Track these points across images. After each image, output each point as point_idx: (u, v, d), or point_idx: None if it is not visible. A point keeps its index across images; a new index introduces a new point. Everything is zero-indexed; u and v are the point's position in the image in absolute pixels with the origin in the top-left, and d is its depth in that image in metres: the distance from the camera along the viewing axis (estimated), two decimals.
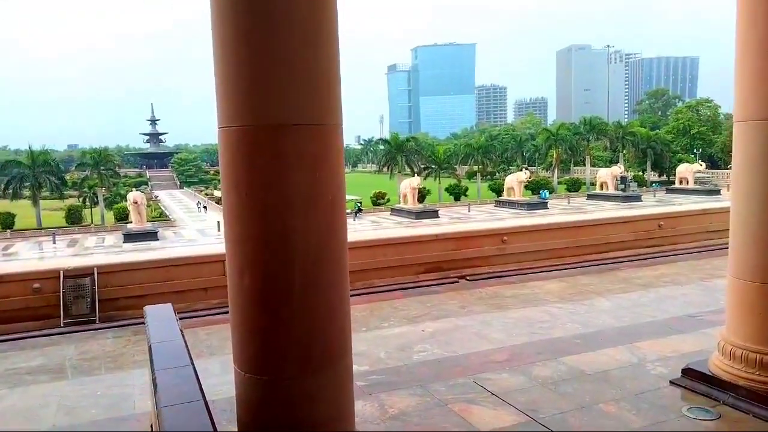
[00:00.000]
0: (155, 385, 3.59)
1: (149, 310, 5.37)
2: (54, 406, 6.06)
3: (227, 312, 8.80)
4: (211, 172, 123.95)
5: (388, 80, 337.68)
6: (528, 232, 12.72)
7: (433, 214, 50.33)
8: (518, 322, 8.50)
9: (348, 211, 50.35)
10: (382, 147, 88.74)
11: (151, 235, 53.16)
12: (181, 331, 5.15)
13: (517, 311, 9.18)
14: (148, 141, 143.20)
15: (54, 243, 53.31)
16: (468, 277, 11.27)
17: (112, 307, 9.51)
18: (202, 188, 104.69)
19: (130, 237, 52.33)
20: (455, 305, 9.52)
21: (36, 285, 9.05)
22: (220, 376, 6.73)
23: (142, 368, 6.80)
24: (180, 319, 9.24)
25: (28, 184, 63.01)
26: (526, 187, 54.40)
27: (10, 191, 63.04)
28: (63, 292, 9.04)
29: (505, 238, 12.24)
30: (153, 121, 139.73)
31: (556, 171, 75.42)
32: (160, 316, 5.28)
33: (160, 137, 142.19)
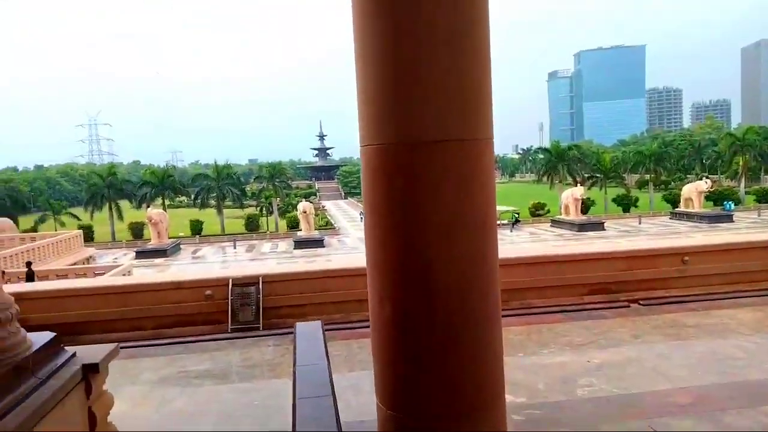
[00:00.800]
0: (294, 415, 3.46)
1: (300, 327, 5.37)
2: (214, 413, 6.31)
3: None
4: None
5: (548, 87, 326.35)
6: (716, 251, 11.12)
7: (598, 226, 47.18)
8: (704, 358, 7.34)
9: (504, 222, 49.40)
10: (541, 156, 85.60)
11: (318, 243, 56.61)
12: (327, 356, 5.07)
13: (701, 344, 7.97)
14: (317, 155, 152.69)
15: (235, 248, 58.77)
16: (641, 302, 10.10)
17: (274, 315, 9.89)
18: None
19: (299, 244, 56.17)
20: (626, 333, 8.52)
21: (208, 292, 9.68)
22: (371, 395, 6.59)
23: None
24: (336, 329, 9.39)
25: (213, 194, 70.20)
26: (707, 198, 49.05)
27: (199, 201, 70.67)
28: (231, 299, 9.56)
29: (687, 257, 10.80)
30: (321, 137, 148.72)
31: (743, 180, 67.09)
32: (308, 335, 5.24)
33: (327, 151, 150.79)
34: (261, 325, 9.61)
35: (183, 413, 6.37)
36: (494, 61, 3.38)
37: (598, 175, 67.94)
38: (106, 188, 67.38)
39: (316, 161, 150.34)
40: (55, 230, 57.72)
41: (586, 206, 57.66)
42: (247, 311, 9.65)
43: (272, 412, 6.29)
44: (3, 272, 20.99)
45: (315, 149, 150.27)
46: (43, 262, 30.11)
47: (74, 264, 32.17)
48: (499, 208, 70.79)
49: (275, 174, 74.09)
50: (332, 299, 10.01)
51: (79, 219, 66.47)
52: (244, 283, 9.76)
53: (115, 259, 55.15)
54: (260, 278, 9.81)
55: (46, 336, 4.56)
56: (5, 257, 27.87)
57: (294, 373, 6.01)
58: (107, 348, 5.00)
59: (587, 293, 10.37)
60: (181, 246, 59.10)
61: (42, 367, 4.24)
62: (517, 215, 61.83)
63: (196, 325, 9.78)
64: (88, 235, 63.29)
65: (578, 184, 58.99)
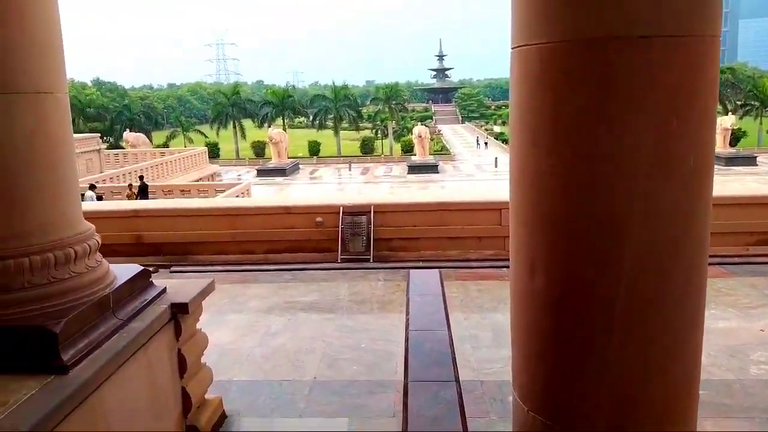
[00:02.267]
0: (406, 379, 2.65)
1: (414, 276, 4.53)
2: (318, 353, 5.79)
3: (501, 267, 7.71)
4: (492, 108, 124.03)
5: None
6: None
7: (750, 161, 42.36)
8: None
9: None
10: None
11: (432, 168, 55.70)
12: (447, 319, 4.25)
13: None
14: (435, 77, 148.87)
15: (350, 170, 59.39)
16: None
17: (385, 247, 9.24)
18: (482, 123, 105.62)
19: (413, 168, 55.57)
20: None
21: (319, 219, 9.17)
22: (492, 349, 5.76)
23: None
24: (451, 267, 8.56)
25: (331, 116, 70.77)
26: None
27: (317, 122, 71.65)
28: (341, 228, 8.99)
29: None
30: (440, 57, 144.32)
31: None
32: (424, 289, 4.36)
33: (446, 72, 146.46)
34: (372, 257, 9.01)
35: (285, 350, 5.92)
36: None
37: (754, 102, 60.16)
38: (230, 107, 69.95)
39: (434, 83, 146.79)
40: (184, 146, 61.18)
41: (735, 137, 51.47)
42: (357, 241, 9.05)
43: (380, 359, 5.65)
44: (130, 185, 22.14)
45: (433, 70, 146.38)
46: (170, 176, 31.78)
47: (199, 180, 33.76)
48: None
49: (391, 96, 73.01)
50: (449, 234, 9.16)
51: (206, 136, 69.98)
52: (356, 211, 9.12)
53: (239, 176, 57.73)
54: (372, 207, 9.12)
55: (132, 269, 4.07)
56: (137, 170, 29.61)
57: (406, 352, 5.32)
58: (201, 284, 4.48)
59: (754, 243, 8.71)
60: (300, 166, 60.64)
61: (125, 305, 3.75)
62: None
63: (305, 251, 9.37)
64: (214, 152, 66.67)
65: (729, 113, 52.72)
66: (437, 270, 5.61)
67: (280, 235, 9.37)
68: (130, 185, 21.99)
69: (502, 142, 75.97)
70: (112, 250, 9.86)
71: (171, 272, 8.98)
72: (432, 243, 9.22)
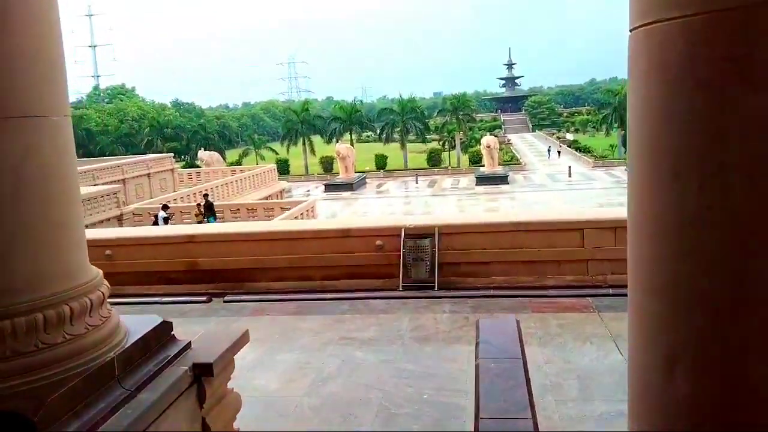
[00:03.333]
0: None
1: (484, 326, 3.70)
2: (374, 405, 5.05)
3: (585, 295, 6.70)
4: (564, 115, 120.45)
5: None
6: None
7: None
8: None
9: None
10: None
11: (502, 179, 54.21)
12: (526, 369, 3.42)
13: None
14: (503, 85, 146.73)
15: (416, 183, 58.74)
16: None
17: (451, 272, 8.41)
18: (554, 131, 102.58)
19: (482, 180, 54.29)
20: None
21: (379, 242, 8.47)
22: (580, 404, 4.84)
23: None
24: (527, 296, 7.63)
25: (398, 129, 70.52)
26: None
27: (384, 136, 71.55)
28: (403, 252, 8.24)
29: None
30: (509, 65, 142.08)
31: None
32: (497, 342, 3.54)
33: (515, 81, 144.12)
34: (436, 284, 8.20)
35: (337, 400, 5.21)
36: None
37: None
38: (300, 124, 71.02)
39: (503, 92, 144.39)
40: (256, 163, 62.49)
41: None
42: (420, 267, 8.27)
43: (446, 413, 4.84)
44: (199, 205, 22.28)
45: (502, 79, 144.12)
46: (240, 194, 32.14)
47: (267, 197, 34.01)
48: None
49: (458, 107, 72.04)
50: (523, 257, 8.23)
51: (276, 153, 71.29)
52: (418, 234, 8.35)
53: (308, 191, 58.30)
54: (436, 229, 8.32)
55: (149, 322, 3.45)
56: (210, 189, 30.08)
57: (477, 382, 4.46)
58: (232, 336, 3.83)
59: None
60: (367, 180, 60.57)
61: (136, 370, 3.13)
62: None
63: (365, 278, 8.67)
64: (284, 169, 67.78)
65: None
66: (513, 318, 4.73)
67: (338, 260, 8.73)
68: (199, 204, 22.18)
69: (576, 150, 73.27)
70: (167, 278, 9.59)
71: (225, 301, 8.52)
72: (504, 267, 8.31)
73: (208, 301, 8.62)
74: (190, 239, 9.16)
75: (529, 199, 46.10)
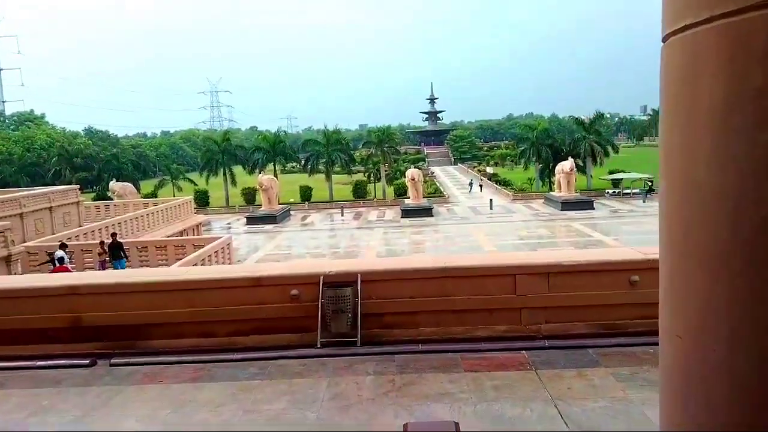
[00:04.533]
0: None
1: None
2: None
3: (517, 348, 5.98)
4: (484, 148, 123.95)
5: None
6: None
7: None
8: None
9: (636, 191, 44.51)
10: None
11: (427, 211, 54.34)
12: None
13: None
14: (426, 119, 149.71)
15: (342, 215, 57.88)
16: None
17: (376, 324, 7.57)
18: (475, 164, 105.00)
19: (407, 212, 54.21)
20: None
21: (294, 291, 7.52)
22: None
23: None
24: (458, 350, 6.87)
25: (323, 160, 69.72)
26: None
27: (309, 167, 70.54)
28: (322, 302, 7.32)
29: None
30: (432, 100, 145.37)
31: None
32: None
33: (437, 115, 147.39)
34: (359, 339, 7.32)
35: None
36: None
37: None
38: (220, 154, 68.82)
39: (426, 125, 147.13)
40: (173, 195, 59.71)
41: None
42: (341, 319, 7.37)
43: None
44: (102, 242, 20.42)
45: (425, 113, 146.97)
46: (152, 228, 30.13)
47: (182, 232, 32.10)
48: (627, 175, 64.63)
49: (383, 139, 72.20)
50: (453, 306, 7.51)
51: (195, 184, 68.58)
52: (339, 281, 7.47)
53: (228, 224, 56.12)
54: (359, 276, 7.48)
55: None
56: (119, 223, 27.96)
57: None
58: None
59: None
60: (291, 212, 59.15)
61: None
62: (650, 183, 55.82)
63: (278, 332, 7.67)
64: (204, 200, 65.21)
65: None
66: (452, 424, 3.94)
67: (247, 313, 7.69)
68: (102, 242, 20.28)
69: (496, 183, 74.98)
70: (46, 336, 8.18)
71: (111, 365, 7.26)
72: (433, 318, 7.56)
73: (92, 364, 7.34)
74: (73, 290, 7.85)
75: (453, 231, 46.27)
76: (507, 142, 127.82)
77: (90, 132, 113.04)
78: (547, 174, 67.44)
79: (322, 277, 7.51)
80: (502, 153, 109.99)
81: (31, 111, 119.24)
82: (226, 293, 7.79)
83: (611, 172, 66.71)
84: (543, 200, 59.77)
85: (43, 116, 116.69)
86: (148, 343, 7.77)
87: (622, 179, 63.05)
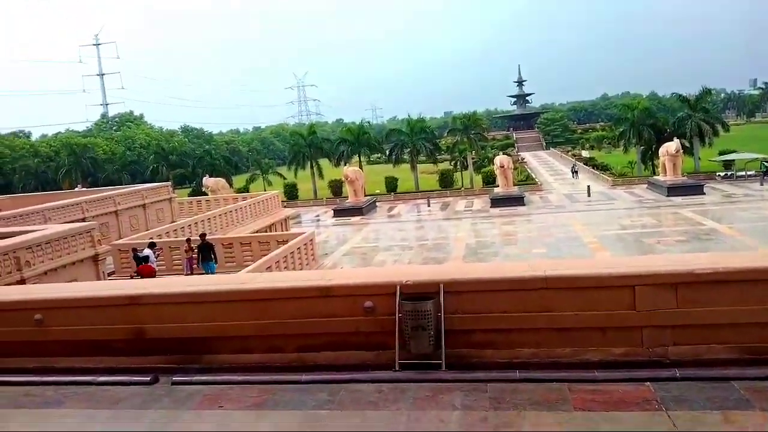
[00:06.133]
0: None
1: None
2: None
3: (640, 379, 4.60)
4: (578, 131, 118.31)
5: None
6: None
7: None
8: None
9: (751, 172, 40.12)
10: None
11: (518, 200, 52.12)
12: None
13: None
14: (514, 103, 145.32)
15: (429, 206, 56.77)
16: None
17: (463, 343, 6.49)
18: (569, 148, 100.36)
19: (496, 201, 52.25)
20: None
21: (368, 303, 6.58)
22: None
23: None
24: (563, 380, 5.67)
25: (407, 150, 68.81)
26: None
27: (393, 157, 69.88)
28: (399, 317, 6.32)
29: None
30: (520, 83, 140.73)
31: None
32: None
33: (526, 98, 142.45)
34: (443, 362, 6.25)
35: None
36: None
37: None
38: (307, 147, 69.58)
39: (514, 110, 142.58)
40: (264, 189, 60.98)
41: None
42: (422, 337, 6.33)
43: None
44: (188, 240, 20.50)
45: (512, 96, 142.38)
46: (242, 224, 30.42)
47: (270, 226, 32.28)
48: (740, 155, 59.06)
49: (469, 125, 70.09)
50: (557, 324, 6.28)
51: (284, 178, 69.79)
52: (418, 293, 6.43)
53: (317, 216, 56.60)
54: (441, 286, 6.41)
55: None
56: (207, 219, 28.37)
57: None
58: None
59: None
60: (377, 203, 58.81)
61: None
62: (767, 164, 50.64)
63: (351, 348, 6.76)
64: (293, 193, 66.22)
65: None
66: None
67: (317, 326, 6.83)
68: (188, 240, 20.38)
69: (594, 168, 71.02)
70: (109, 348, 7.74)
71: (173, 383, 6.63)
72: (532, 337, 6.38)
73: (153, 381, 6.75)
74: (134, 300, 7.31)
75: (547, 221, 43.96)
76: (603, 123, 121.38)
77: (186, 130, 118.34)
78: (649, 156, 62.98)
79: (398, 288, 6.50)
80: (598, 135, 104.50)
81: (131, 112, 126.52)
82: (294, 304, 6.96)
83: (721, 153, 61.25)
84: (646, 185, 55.76)
85: (141, 116, 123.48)
86: (214, 358, 7.11)
87: (734, 160, 57.66)
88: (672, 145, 50.45)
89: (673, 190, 49.00)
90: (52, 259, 14.07)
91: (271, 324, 6.94)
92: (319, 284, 6.98)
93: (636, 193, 54.27)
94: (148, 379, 6.79)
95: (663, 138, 57.58)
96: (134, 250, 18.81)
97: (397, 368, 6.30)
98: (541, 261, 11.50)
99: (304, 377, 6.38)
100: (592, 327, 6.21)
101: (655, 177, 55.82)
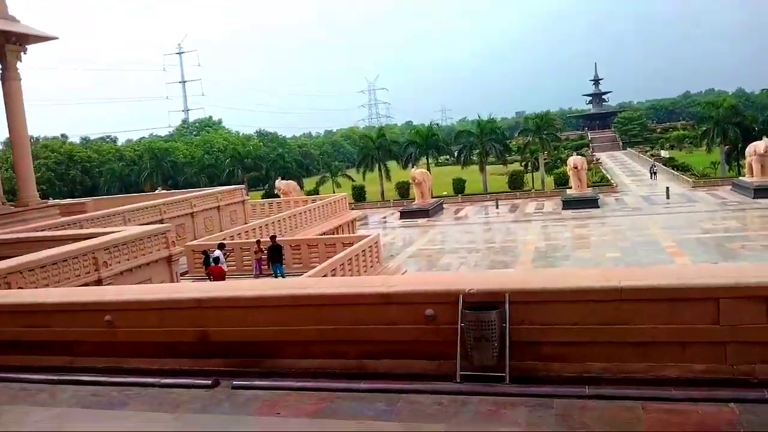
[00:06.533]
0: None
1: None
2: None
3: (722, 399, 4.26)
4: (658, 130, 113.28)
5: None
6: None
7: None
8: None
9: None
10: None
11: (591, 202, 50.40)
12: None
13: None
14: (590, 102, 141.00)
15: (497, 208, 55.84)
16: None
17: (529, 355, 6.18)
18: (647, 148, 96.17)
19: (569, 203, 50.73)
20: None
21: (429, 311, 6.39)
22: None
23: None
24: (637, 399, 5.27)
25: (476, 151, 67.98)
26: None
27: (462, 159, 69.18)
28: (461, 326, 6.09)
29: None
30: (596, 81, 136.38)
31: None
32: None
33: (602, 97, 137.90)
34: (507, 375, 5.97)
35: None
36: None
37: None
38: (375, 150, 70.00)
39: (590, 109, 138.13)
40: (333, 191, 61.84)
41: None
42: (485, 348, 6.07)
43: None
44: (258, 242, 20.93)
45: (588, 95, 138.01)
46: (310, 225, 30.88)
47: (338, 228, 32.61)
48: None
49: (542, 126, 68.43)
50: (632, 337, 5.87)
51: (352, 180, 70.52)
52: (482, 302, 6.18)
53: (384, 218, 56.80)
54: (506, 296, 6.13)
55: None
56: (277, 221, 28.95)
57: None
58: None
59: None
60: (444, 205, 58.37)
61: None
62: None
63: (412, 357, 6.59)
64: (361, 195, 66.78)
65: None
66: None
67: (378, 333, 6.71)
68: (258, 242, 20.84)
69: (673, 169, 67.69)
70: (175, 350, 7.91)
71: (234, 387, 6.68)
72: (604, 350, 5.99)
73: (215, 385, 6.82)
74: (198, 304, 7.43)
75: (623, 224, 42.20)
76: (684, 122, 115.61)
77: (261, 134, 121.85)
78: (734, 157, 59.35)
79: (461, 296, 6.27)
80: (678, 135, 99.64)
81: (210, 117, 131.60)
82: (355, 310, 6.87)
83: None
84: (731, 187, 52.56)
85: (220, 121, 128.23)
86: (275, 362, 7.11)
87: None
88: (761, 145, 47.26)
89: (761, 192, 45.85)
90: (128, 259, 14.67)
91: (333, 329, 6.87)
92: (380, 291, 6.85)
93: (719, 195, 51.23)
94: (210, 382, 6.87)
95: (750, 137, 54.11)
96: (204, 252, 19.41)
97: (458, 380, 6.08)
98: (615, 269, 10.87)
99: (363, 385, 6.26)
100: (670, 341, 5.77)
101: (740, 178, 52.52)
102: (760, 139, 49.25)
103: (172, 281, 16.72)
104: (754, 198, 45.91)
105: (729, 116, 60.02)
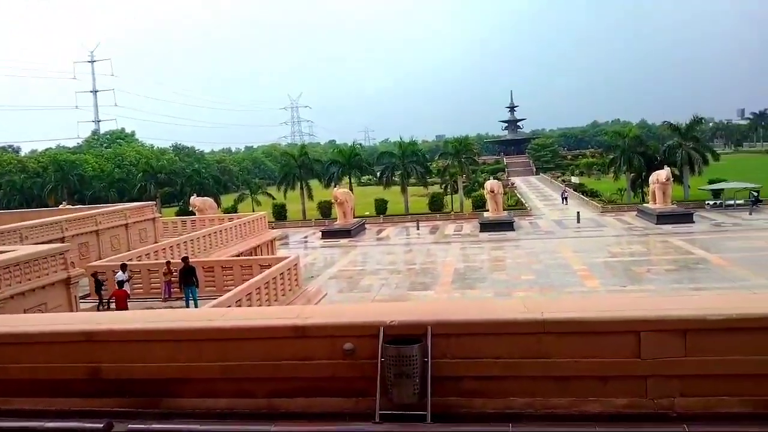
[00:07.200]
0: None
1: None
2: None
3: None
4: (568, 157, 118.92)
5: None
6: None
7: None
8: None
9: (740, 201, 40.02)
10: None
11: (507, 225, 51.82)
12: None
13: None
14: (506, 128, 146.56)
15: (418, 229, 56.34)
16: None
17: (452, 391, 5.88)
18: (559, 174, 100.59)
19: (486, 226, 51.93)
20: None
21: (347, 345, 5.96)
22: None
23: None
24: None
25: (398, 172, 68.58)
26: None
27: (384, 179, 69.58)
28: (381, 361, 5.71)
29: None
30: (511, 108, 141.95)
31: None
32: None
33: (518, 123, 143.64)
34: (429, 413, 5.64)
35: None
36: None
37: None
38: (297, 168, 69.12)
39: (505, 135, 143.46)
40: (252, 209, 60.29)
41: None
42: (406, 385, 5.72)
43: None
44: (168, 263, 19.78)
45: (504, 122, 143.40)
46: (226, 245, 29.71)
47: (256, 248, 31.58)
48: (730, 184, 59.17)
49: (460, 149, 70.05)
50: (553, 371, 5.70)
51: (273, 198, 69.18)
52: (403, 334, 5.83)
53: (305, 237, 55.88)
54: (428, 328, 5.82)
55: None
56: (191, 240, 27.64)
57: None
58: None
59: None
60: (366, 225, 58.26)
61: None
62: (756, 193, 50.70)
63: (328, 395, 6.12)
64: (281, 214, 65.54)
65: None
66: None
67: (290, 370, 6.19)
68: (168, 263, 19.66)
69: (583, 194, 70.99)
70: (64, 389, 7.05)
71: (129, 429, 5.95)
72: (527, 385, 5.77)
73: (108, 428, 6.05)
74: (89, 337, 6.64)
75: (536, 247, 43.56)
76: (593, 150, 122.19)
77: (177, 148, 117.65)
78: (639, 184, 63.01)
79: (381, 329, 5.90)
80: (587, 162, 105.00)
81: (122, 129, 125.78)
82: (265, 344, 6.33)
83: (711, 182, 61.41)
84: (636, 212, 55.65)
85: (133, 134, 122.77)
86: (176, 402, 6.43)
87: (723, 189, 57.76)
88: (662, 173, 50.48)
89: (663, 218, 48.88)
90: (20, 282, 13.32)
91: (241, 366, 6.29)
92: (294, 323, 6.35)
93: (625, 221, 54.11)
94: (102, 425, 6.09)
95: (653, 166, 57.70)
96: (94, 275, 17.97)
97: (377, 419, 5.67)
98: (535, 299, 10.90)
99: (274, 428, 5.73)
100: (593, 375, 5.63)
101: (644, 204, 55.75)
102: (662, 168, 52.64)
103: (70, 306, 15.38)
104: (656, 224, 48.81)
105: (634, 146, 63.79)
